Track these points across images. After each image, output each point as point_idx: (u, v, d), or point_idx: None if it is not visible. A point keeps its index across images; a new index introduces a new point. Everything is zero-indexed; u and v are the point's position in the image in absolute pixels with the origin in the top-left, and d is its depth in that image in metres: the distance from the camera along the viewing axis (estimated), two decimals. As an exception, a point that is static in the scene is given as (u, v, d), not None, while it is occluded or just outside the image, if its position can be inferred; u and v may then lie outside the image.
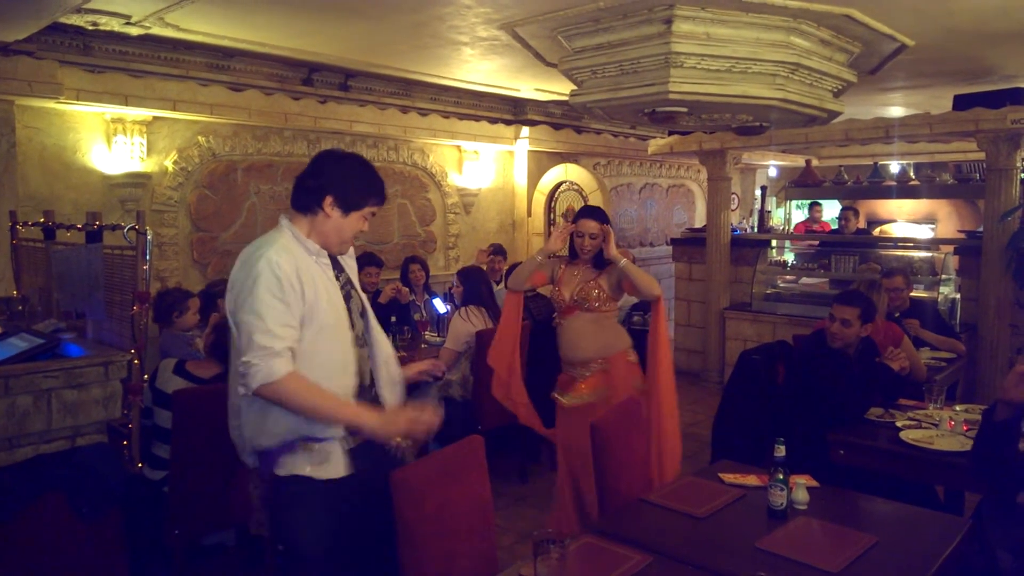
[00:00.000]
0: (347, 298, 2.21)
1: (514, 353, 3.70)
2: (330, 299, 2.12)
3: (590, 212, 3.62)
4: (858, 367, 3.50)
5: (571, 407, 3.55)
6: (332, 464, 2.09)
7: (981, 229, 6.19)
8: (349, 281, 2.27)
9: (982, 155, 6.19)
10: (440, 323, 5.55)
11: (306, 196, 2.15)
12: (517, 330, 3.73)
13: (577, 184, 8.05)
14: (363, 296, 2.33)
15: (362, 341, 2.24)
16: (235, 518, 3.11)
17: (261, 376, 1.94)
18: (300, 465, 2.07)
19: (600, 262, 3.55)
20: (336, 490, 2.10)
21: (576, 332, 3.55)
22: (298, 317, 2.02)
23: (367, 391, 2.22)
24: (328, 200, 2.12)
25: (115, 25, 4.70)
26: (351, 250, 2.35)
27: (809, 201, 9.39)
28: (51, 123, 5.10)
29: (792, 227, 9.56)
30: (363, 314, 2.28)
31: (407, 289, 5.66)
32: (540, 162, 8.25)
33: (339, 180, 2.15)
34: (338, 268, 2.25)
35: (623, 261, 3.41)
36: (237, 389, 2.07)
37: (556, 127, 8.18)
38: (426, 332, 5.33)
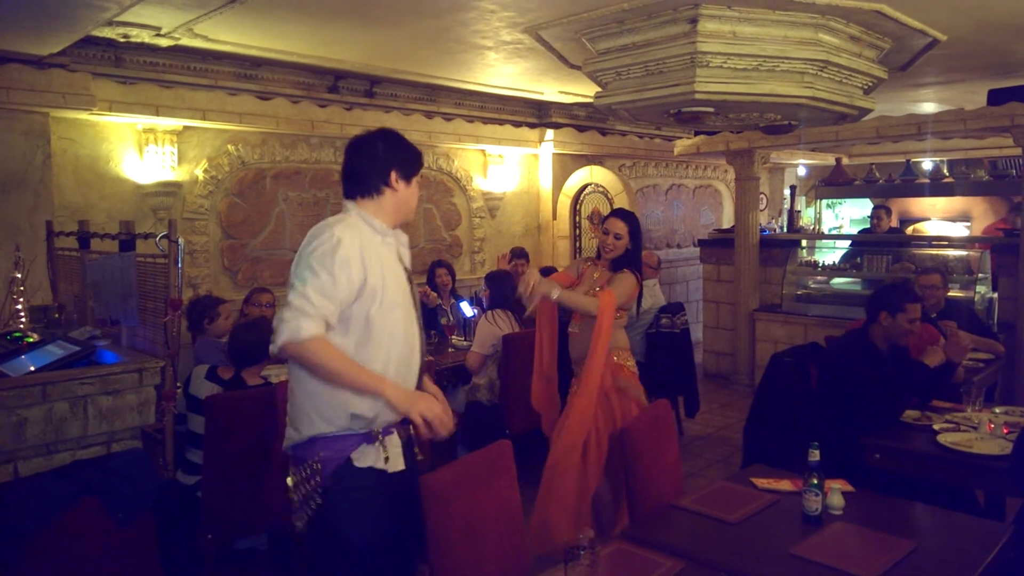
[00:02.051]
0: (408, 279, 2.29)
1: (551, 359, 3.74)
2: (397, 278, 2.19)
3: (620, 213, 3.67)
4: (889, 368, 3.43)
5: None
6: (398, 457, 2.15)
7: (1019, 225, 6.04)
8: (409, 269, 2.34)
9: (1018, 150, 6.05)
10: (467, 327, 5.56)
11: (366, 180, 2.22)
12: (551, 339, 3.77)
13: (602, 186, 8.02)
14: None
15: (422, 326, 2.31)
16: (267, 522, 3.13)
17: (288, 333, 1.97)
18: (377, 458, 2.11)
19: (618, 266, 3.55)
20: (398, 483, 2.15)
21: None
22: (343, 295, 2.04)
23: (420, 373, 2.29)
24: (394, 174, 2.22)
25: (146, 37, 4.79)
26: (405, 238, 2.39)
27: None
28: (84, 134, 5.20)
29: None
30: (417, 299, 2.35)
31: (435, 293, 5.68)
32: (565, 165, 8.23)
33: (394, 153, 2.25)
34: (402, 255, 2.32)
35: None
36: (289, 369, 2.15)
37: (580, 129, 8.15)
38: (453, 336, 5.34)
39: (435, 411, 2.09)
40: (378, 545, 2.12)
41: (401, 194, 2.24)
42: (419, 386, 2.29)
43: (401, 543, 2.19)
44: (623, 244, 3.53)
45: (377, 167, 2.21)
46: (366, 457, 2.11)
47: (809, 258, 7.32)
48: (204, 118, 5.49)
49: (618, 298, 3.43)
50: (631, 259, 3.59)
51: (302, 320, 1.97)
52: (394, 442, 2.15)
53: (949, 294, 5.02)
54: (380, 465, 2.11)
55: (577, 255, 8.14)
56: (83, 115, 5.03)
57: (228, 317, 4.22)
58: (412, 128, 6.68)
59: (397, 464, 2.15)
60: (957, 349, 3.61)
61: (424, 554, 2.16)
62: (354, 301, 2.07)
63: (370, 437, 2.11)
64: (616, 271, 3.56)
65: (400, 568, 2.21)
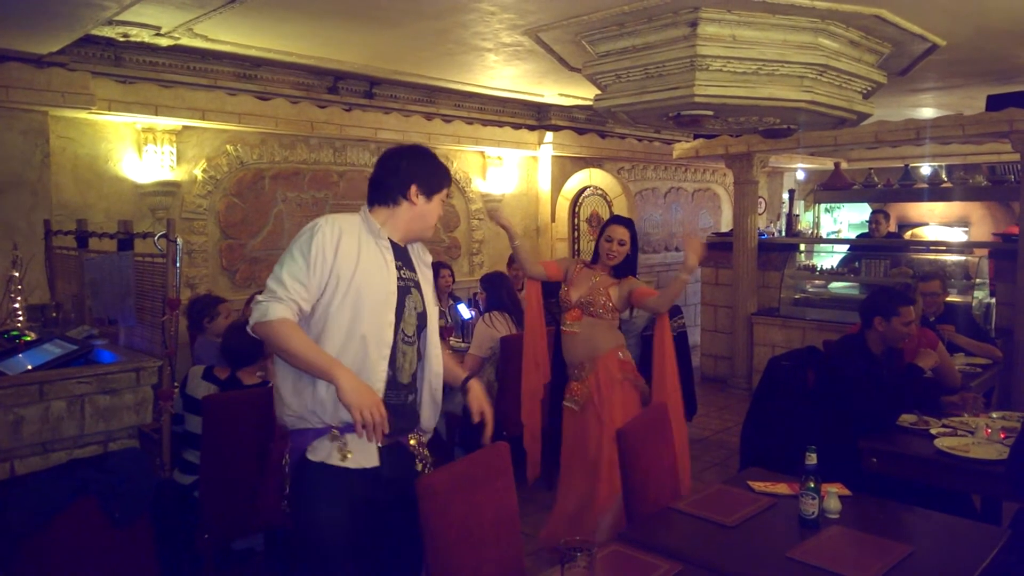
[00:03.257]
0: (405, 291, 2.25)
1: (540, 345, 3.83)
2: (373, 275, 2.16)
3: (621, 220, 3.72)
4: (885, 373, 3.44)
5: (568, 409, 3.67)
6: (361, 454, 2.12)
7: (1016, 231, 6.06)
8: (413, 280, 2.31)
9: (1016, 156, 6.06)
10: (465, 329, 5.56)
11: (387, 190, 2.26)
12: (541, 323, 3.86)
13: (601, 189, 8.03)
14: (429, 305, 2.35)
15: (410, 340, 2.27)
16: (264, 522, 3.13)
17: (258, 313, 2.04)
18: (330, 453, 2.10)
19: (621, 272, 3.58)
20: (361, 481, 2.12)
21: (573, 335, 3.64)
22: (317, 280, 2.08)
23: (400, 387, 2.23)
24: (413, 189, 2.25)
25: (145, 36, 4.79)
26: (429, 258, 2.42)
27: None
28: (83, 133, 5.20)
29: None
30: (421, 316, 2.31)
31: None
32: (564, 167, 8.24)
33: (419, 169, 2.28)
34: (408, 265, 2.31)
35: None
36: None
37: (580, 132, 8.16)
38: (451, 338, 5.34)
39: (376, 414, 2.00)
40: (333, 544, 2.10)
41: (419, 209, 2.26)
42: (403, 392, 2.24)
43: (365, 546, 2.16)
44: (625, 250, 3.60)
45: (399, 178, 2.25)
46: (319, 451, 2.11)
47: (807, 262, 7.33)
48: (203, 118, 5.48)
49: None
50: (631, 264, 3.65)
51: (272, 303, 2.04)
52: (356, 438, 2.09)
53: (947, 299, 5.03)
54: (334, 461, 2.09)
55: (576, 257, 8.15)
56: (82, 114, 5.02)
57: (228, 316, 4.21)
58: (411, 130, 6.69)
59: (361, 461, 2.12)
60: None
61: (423, 562, 2.14)
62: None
63: (322, 431, 2.11)
64: (619, 277, 3.61)
65: (359, 567, 2.17)
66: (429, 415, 2.34)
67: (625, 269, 3.64)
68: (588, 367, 3.61)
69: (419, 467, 2.25)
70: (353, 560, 2.14)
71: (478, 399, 2.40)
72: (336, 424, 2.10)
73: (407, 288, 2.26)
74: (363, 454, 2.13)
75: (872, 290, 4.18)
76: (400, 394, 2.23)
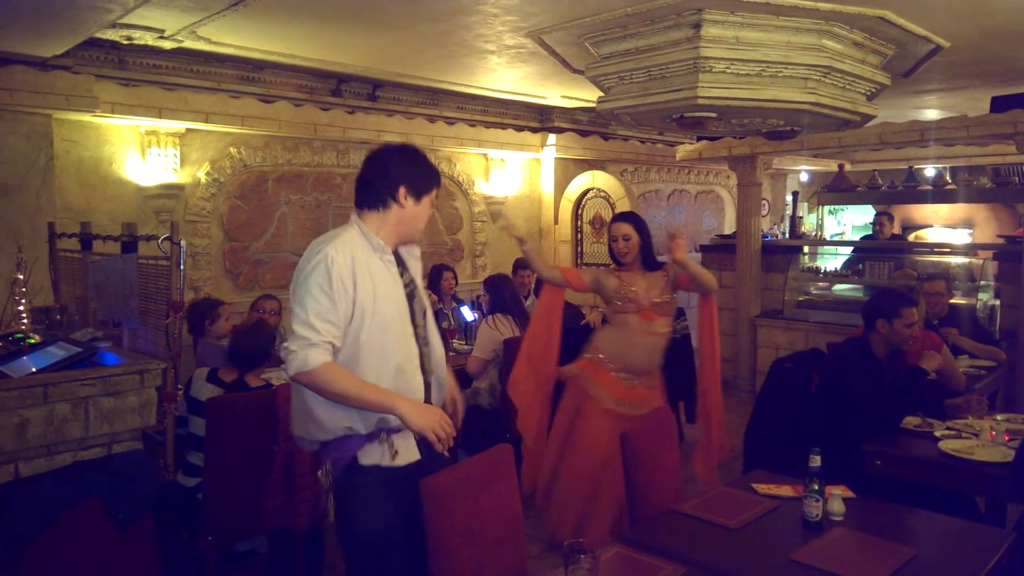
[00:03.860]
0: (412, 296, 2.27)
1: (552, 343, 3.73)
2: (390, 295, 2.17)
3: (622, 216, 3.71)
4: (888, 375, 3.42)
5: (616, 413, 3.52)
6: (407, 451, 2.16)
7: (1019, 231, 6.04)
8: (413, 281, 2.32)
9: (1021, 158, 6.05)
10: (468, 331, 5.56)
11: (376, 192, 2.22)
12: (556, 323, 3.75)
13: (604, 191, 8.02)
14: (426, 298, 2.39)
15: (424, 341, 2.30)
16: (268, 524, 3.13)
17: (297, 364, 2.01)
18: (383, 455, 2.13)
19: (651, 263, 3.58)
20: (408, 476, 2.15)
21: (659, 336, 3.55)
22: (344, 314, 2.07)
23: (427, 388, 2.28)
24: (402, 191, 2.20)
25: (149, 39, 4.80)
26: (418, 251, 2.41)
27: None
28: (87, 136, 5.21)
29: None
30: (425, 315, 2.34)
31: (435, 296, 5.68)
32: (567, 169, 8.24)
33: (407, 169, 2.24)
34: (403, 266, 2.30)
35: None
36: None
37: (583, 134, 8.16)
38: (454, 340, 5.34)
39: (447, 427, 2.10)
40: (386, 539, 2.14)
41: (408, 211, 2.23)
42: (427, 396, 2.28)
43: (413, 536, 2.18)
44: (635, 243, 3.57)
45: (387, 181, 2.21)
46: (371, 455, 2.14)
47: (811, 264, 7.32)
48: (207, 121, 5.49)
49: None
50: (651, 254, 3.63)
51: (309, 351, 2.00)
52: (403, 435, 2.16)
53: (951, 301, 5.02)
54: (386, 462, 2.14)
55: (579, 260, 8.14)
56: (86, 117, 5.03)
57: (228, 319, 4.22)
58: (414, 132, 6.69)
59: (408, 456, 2.17)
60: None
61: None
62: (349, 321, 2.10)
63: (372, 436, 2.14)
64: (653, 269, 3.59)
65: (411, 562, 2.20)
66: (437, 396, 2.37)
67: (653, 259, 3.61)
68: (649, 379, 3.58)
69: (440, 448, 2.23)
70: (403, 563, 2.18)
71: (451, 388, 2.44)
72: (383, 427, 2.13)
73: (412, 293, 2.28)
74: (408, 450, 2.17)
75: (876, 292, 4.17)
76: (426, 392, 2.28)
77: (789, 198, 9.73)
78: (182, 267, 3.31)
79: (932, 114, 7.80)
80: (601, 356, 3.61)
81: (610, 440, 3.41)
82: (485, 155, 7.72)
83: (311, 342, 2.01)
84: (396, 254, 2.28)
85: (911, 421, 3.37)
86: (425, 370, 2.26)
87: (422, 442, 2.20)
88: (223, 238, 5.92)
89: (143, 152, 5.41)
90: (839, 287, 7.13)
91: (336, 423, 2.12)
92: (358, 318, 2.09)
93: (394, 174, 2.21)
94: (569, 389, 3.72)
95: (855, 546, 2.28)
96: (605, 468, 3.46)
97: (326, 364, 2.01)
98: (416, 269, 2.37)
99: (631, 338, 3.55)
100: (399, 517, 2.16)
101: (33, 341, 3.09)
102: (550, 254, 8.28)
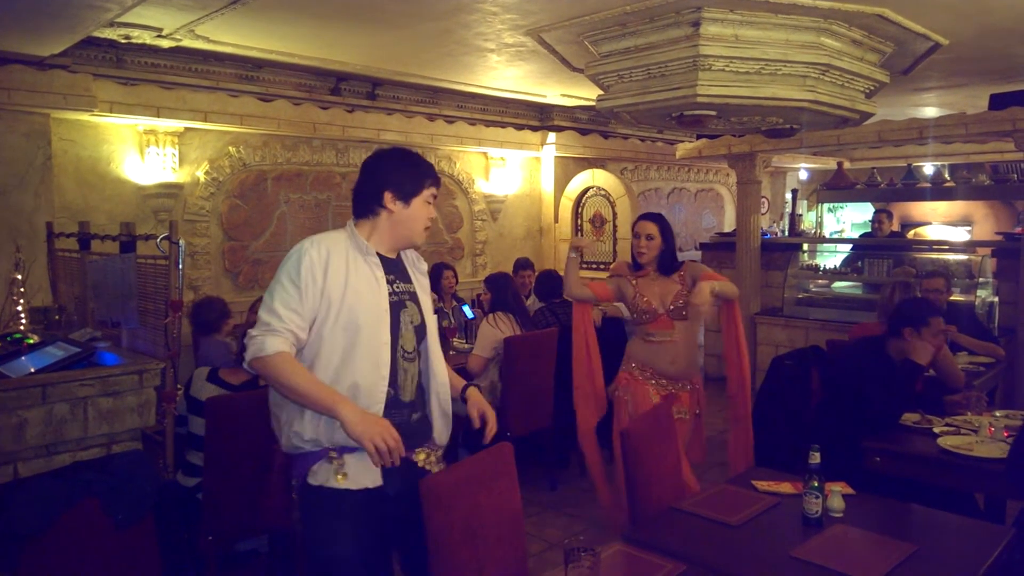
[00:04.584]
0: (399, 305, 2.18)
1: (593, 361, 3.74)
2: (363, 293, 2.10)
3: (650, 215, 3.66)
4: (902, 380, 3.40)
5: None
6: (362, 474, 2.07)
7: (1019, 230, 6.04)
8: (411, 294, 2.25)
9: (1020, 155, 6.05)
10: (468, 330, 5.56)
11: (365, 200, 2.19)
12: (592, 340, 3.76)
13: (604, 189, 8.02)
14: (426, 314, 2.30)
15: (411, 356, 2.21)
16: (268, 524, 3.13)
17: (254, 349, 1.99)
18: (328, 477, 2.06)
19: (668, 268, 3.55)
20: (365, 500, 2.08)
21: (672, 343, 3.53)
22: (311, 304, 2.03)
23: (404, 405, 2.18)
24: (388, 195, 2.16)
25: (147, 38, 4.79)
26: (424, 266, 2.36)
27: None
28: (85, 135, 5.20)
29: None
30: (420, 329, 2.25)
31: (435, 295, 5.68)
32: (567, 168, 8.24)
33: (391, 173, 2.18)
34: (401, 277, 2.24)
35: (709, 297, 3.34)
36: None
37: (582, 132, 8.16)
38: (454, 339, 5.34)
39: (388, 439, 1.95)
40: (344, 560, 2.06)
41: (399, 215, 2.16)
42: (387, 410, 2.13)
43: (376, 564, 2.13)
44: (656, 244, 3.54)
45: (372, 187, 2.17)
46: (318, 475, 2.07)
47: (810, 262, 7.32)
48: (205, 120, 5.49)
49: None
50: (673, 256, 3.60)
51: (267, 337, 1.98)
52: (356, 458, 2.05)
53: (950, 298, 5.02)
54: (333, 484, 2.04)
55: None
56: (84, 116, 5.03)
57: (232, 317, 4.26)
58: (414, 131, 6.69)
59: (360, 481, 2.06)
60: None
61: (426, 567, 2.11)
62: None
63: (320, 455, 2.07)
64: (670, 273, 3.56)
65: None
66: (441, 428, 2.28)
67: (671, 264, 3.57)
68: (683, 385, 3.57)
69: (376, 462, 2.10)
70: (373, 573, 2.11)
71: (476, 405, 2.35)
72: (332, 446, 2.05)
73: (401, 303, 2.19)
74: (364, 474, 2.07)
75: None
76: (402, 412, 2.17)
77: (788, 196, 9.73)
78: (181, 267, 3.30)
79: (931, 112, 7.80)
80: (633, 365, 3.63)
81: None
82: (485, 154, 7.72)
83: (272, 328, 1.99)
84: (395, 264, 2.23)
85: (910, 418, 3.37)
86: (397, 385, 2.14)
87: (403, 468, 2.08)
88: (222, 237, 5.91)
89: (141, 151, 5.41)
90: (838, 285, 7.13)
91: (285, 429, 2.08)
92: (323, 308, 2.05)
93: (379, 180, 2.17)
94: (616, 407, 3.70)
95: (855, 543, 2.28)
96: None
97: (280, 354, 1.97)
98: (422, 285, 2.31)
99: (655, 347, 3.56)
100: (357, 540, 2.07)
101: (31, 341, 3.08)
102: (550, 253, 8.28)
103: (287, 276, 2.04)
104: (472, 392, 2.38)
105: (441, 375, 2.30)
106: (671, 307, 3.52)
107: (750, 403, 3.63)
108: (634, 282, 3.62)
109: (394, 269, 2.22)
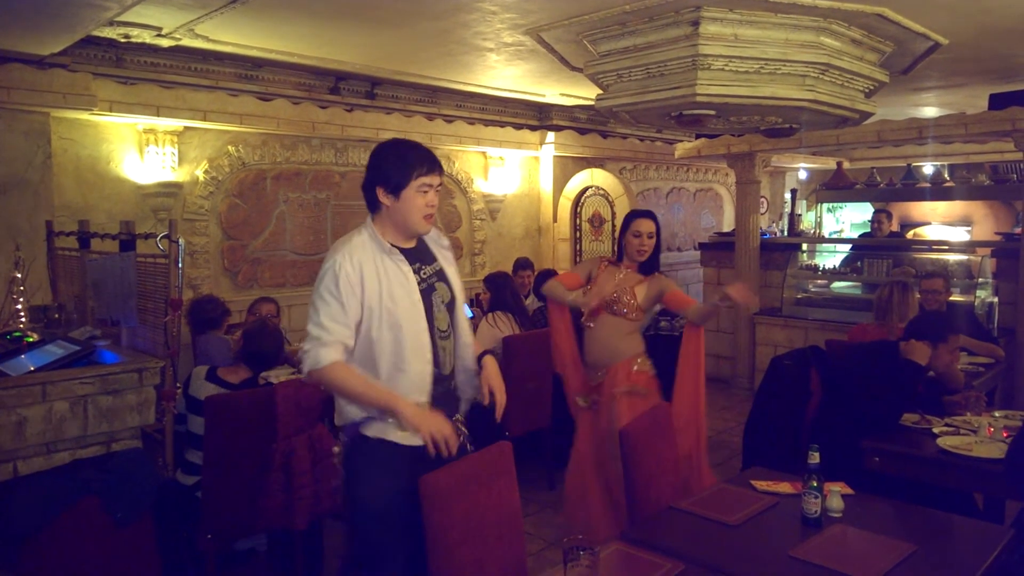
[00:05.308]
0: (429, 291, 2.31)
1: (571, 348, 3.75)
2: (395, 294, 2.23)
3: (647, 213, 3.64)
4: (909, 383, 3.40)
5: (583, 409, 3.64)
6: (413, 434, 2.19)
7: (1019, 231, 6.05)
8: (438, 273, 2.38)
9: (1019, 155, 6.05)
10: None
11: (368, 198, 2.31)
12: (569, 333, 3.75)
13: (603, 189, 8.03)
14: (454, 285, 2.42)
15: (445, 334, 2.34)
16: (267, 523, 3.13)
17: (309, 362, 2.16)
18: (385, 429, 2.20)
19: (648, 268, 3.54)
20: (411, 457, 2.20)
21: (595, 335, 3.54)
22: (353, 315, 2.19)
23: (444, 379, 2.33)
24: (380, 191, 2.26)
25: (147, 37, 4.79)
26: (445, 240, 2.49)
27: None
28: (85, 134, 5.20)
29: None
30: (450, 305, 2.38)
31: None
32: (566, 167, 8.24)
33: (379, 168, 2.28)
34: (425, 260, 2.36)
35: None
36: None
37: (581, 132, 8.16)
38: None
39: (444, 432, 2.13)
40: (387, 509, 2.19)
41: (393, 208, 2.27)
42: (447, 381, 2.34)
43: (415, 518, 2.18)
44: (653, 243, 3.55)
45: (368, 185, 2.29)
46: (374, 428, 2.22)
47: (809, 262, 7.32)
48: (205, 119, 5.49)
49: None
50: (656, 259, 3.61)
51: (320, 349, 2.14)
52: None
53: (950, 299, 5.02)
54: (389, 436, 2.20)
55: (578, 258, 8.14)
56: (84, 115, 5.03)
57: (230, 315, 4.27)
58: (413, 130, 6.69)
59: (412, 439, 2.18)
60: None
61: None
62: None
63: (379, 416, 2.21)
64: (646, 274, 3.55)
65: (412, 540, 2.20)
66: (464, 381, 2.44)
67: (651, 265, 3.56)
68: (601, 373, 3.53)
69: (432, 451, 2.22)
70: (403, 538, 2.21)
71: (489, 377, 2.42)
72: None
73: (431, 287, 2.32)
74: (415, 434, 2.19)
75: (921, 314, 4.00)
76: (445, 384, 2.34)
77: (788, 196, 9.73)
78: (180, 265, 3.31)
79: (930, 111, 7.80)
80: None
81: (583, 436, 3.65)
82: (484, 153, 7.71)
83: (323, 342, 2.14)
84: (416, 250, 2.34)
85: (909, 418, 3.37)
86: (439, 363, 2.30)
87: None
88: (221, 236, 5.91)
89: (141, 150, 5.41)
90: (837, 285, 7.13)
91: (350, 413, 2.25)
92: (367, 317, 2.20)
93: (371, 175, 2.28)
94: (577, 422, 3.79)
95: (854, 543, 2.28)
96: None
97: (336, 363, 2.14)
98: (447, 258, 2.44)
99: (586, 333, 3.59)
100: (400, 493, 2.19)
101: (31, 339, 3.08)
102: (549, 252, 8.29)
103: (327, 291, 2.18)
104: (488, 361, 2.46)
105: (465, 335, 2.44)
106: (607, 299, 3.47)
107: (704, 441, 3.53)
108: (602, 267, 3.61)
109: (418, 256, 2.35)
